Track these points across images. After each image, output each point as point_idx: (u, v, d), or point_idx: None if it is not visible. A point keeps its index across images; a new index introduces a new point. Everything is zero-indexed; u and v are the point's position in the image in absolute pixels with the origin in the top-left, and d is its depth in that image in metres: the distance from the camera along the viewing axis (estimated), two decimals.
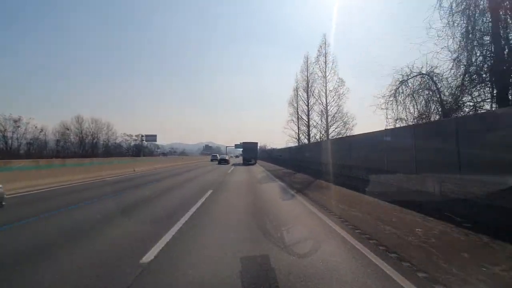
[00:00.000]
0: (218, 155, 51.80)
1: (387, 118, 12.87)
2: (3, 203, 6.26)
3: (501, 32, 8.74)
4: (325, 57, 22.78)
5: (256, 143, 41.31)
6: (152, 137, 50.91)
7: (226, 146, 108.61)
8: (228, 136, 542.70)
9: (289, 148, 33.49)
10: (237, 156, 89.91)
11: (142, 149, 52.33)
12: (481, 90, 9.47)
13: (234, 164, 34.44)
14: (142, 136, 50.11)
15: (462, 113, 10.06)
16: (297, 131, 29.40)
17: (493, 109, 8.91)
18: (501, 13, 8.63)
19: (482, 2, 8.85)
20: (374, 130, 11.90)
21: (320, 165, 18.38)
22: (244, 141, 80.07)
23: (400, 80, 12.10)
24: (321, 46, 23.12)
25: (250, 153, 37.26)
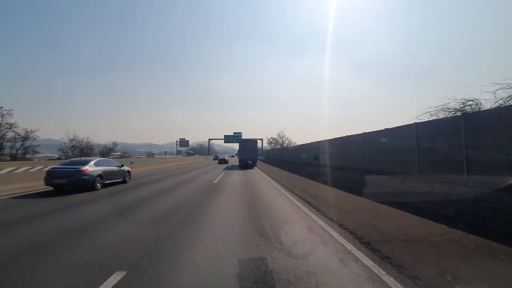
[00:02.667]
0: (219, 155, 58.72)
1: None
2: (130, 177, 13.28)
3: None
4: None
5: (257, 140, 34.65)
6: None
7: (209, 139, 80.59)
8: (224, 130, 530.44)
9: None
10: (232, 156, 74.32)
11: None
12: None
13: (227, 168, 26.79)
14: None
15: None
16: None
17: None
18: None
19: None
20: None
21: None
22: (235, 132, 69.36)
23: None
24: None
25: (249, 153, 29.54)
